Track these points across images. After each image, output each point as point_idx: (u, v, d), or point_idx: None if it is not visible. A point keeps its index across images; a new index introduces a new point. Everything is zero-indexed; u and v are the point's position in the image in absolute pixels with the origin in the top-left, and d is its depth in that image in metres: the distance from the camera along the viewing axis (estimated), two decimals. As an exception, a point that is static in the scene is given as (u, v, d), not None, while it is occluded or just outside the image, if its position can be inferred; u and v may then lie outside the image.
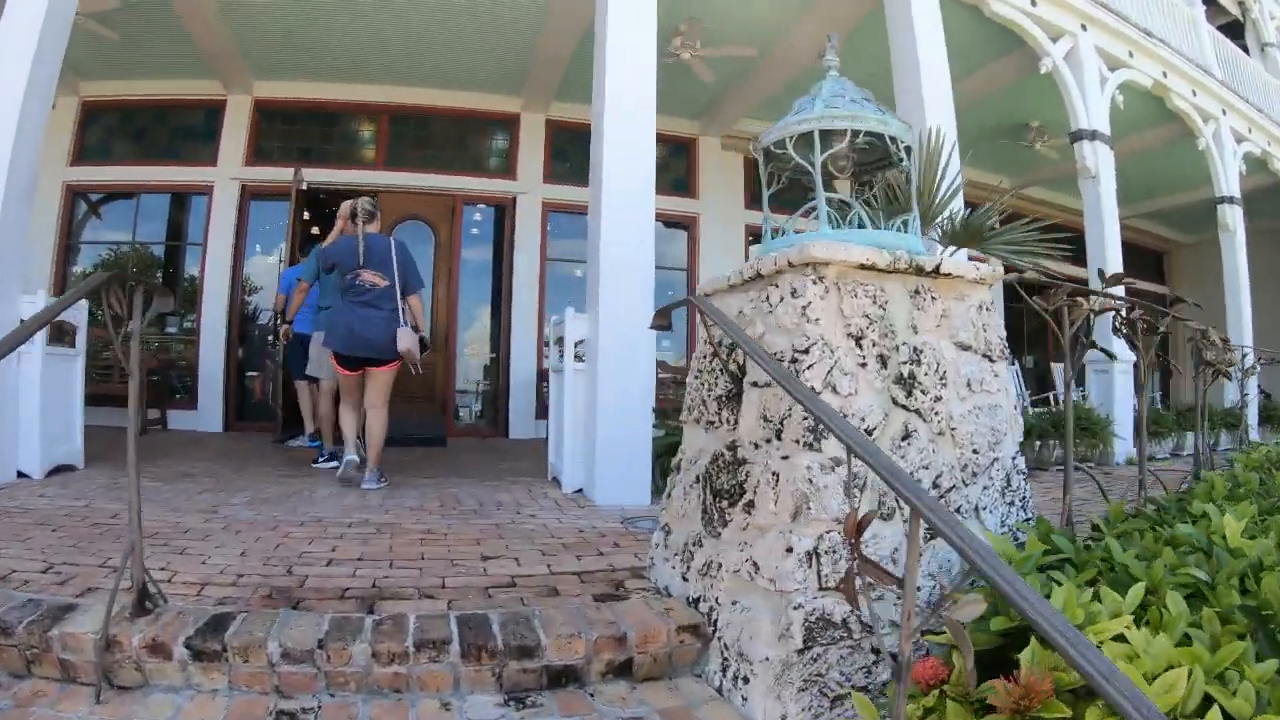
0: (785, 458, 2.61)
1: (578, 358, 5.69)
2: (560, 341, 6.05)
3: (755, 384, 2.85)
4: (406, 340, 5.58)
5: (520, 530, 4.39)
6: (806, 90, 3.24)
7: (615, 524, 4.66)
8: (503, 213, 11.13)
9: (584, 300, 5.88)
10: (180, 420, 9.99)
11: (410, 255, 5.90)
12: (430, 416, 10.49)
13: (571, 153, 11.23)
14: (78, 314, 5.93)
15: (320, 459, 6.76)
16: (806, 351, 2.61)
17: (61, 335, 5.76)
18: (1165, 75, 10.94)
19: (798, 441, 2.56)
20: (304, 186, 9.98)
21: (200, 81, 10.27)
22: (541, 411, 10.57)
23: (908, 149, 3.13)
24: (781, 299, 2.77)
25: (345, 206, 6.18)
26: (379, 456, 5.74)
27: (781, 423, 2.66)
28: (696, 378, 3.35)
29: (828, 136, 3.02)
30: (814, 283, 2.67)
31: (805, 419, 2.54)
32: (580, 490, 5.65)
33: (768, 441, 2.73)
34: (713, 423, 3.13)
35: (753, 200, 12.20)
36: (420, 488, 5.77)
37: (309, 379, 7.44)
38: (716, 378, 3.15)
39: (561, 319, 5.92)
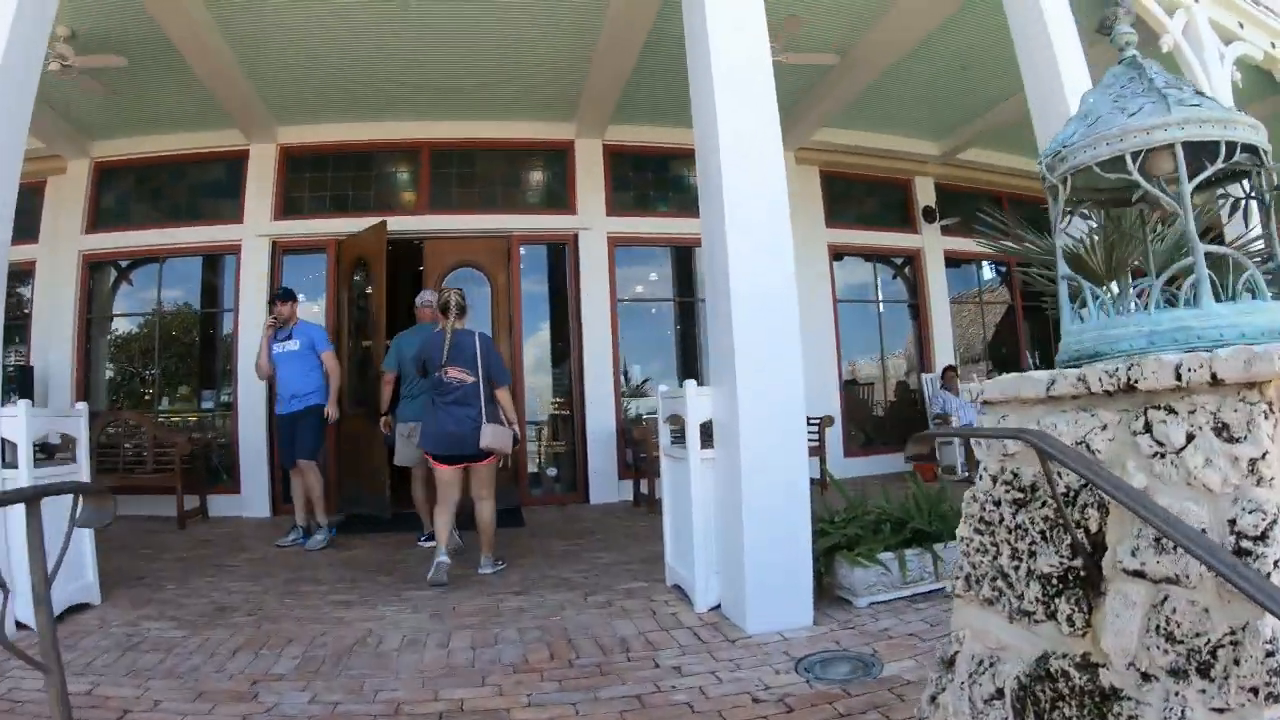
0: (1221, 710, 1.43)
1: (704, 443, 4.46)
2: (674, 420, 4.86)
3: (1139, 574, 1.64)
4: (489, 437, 5.54)
5: (672, 705, 3.17)
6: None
7: (791, 675, 3.44)
8: (564, 252, 9.97)
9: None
10: (222, 506, 8.97)
11: (495, 349, 5.93)
12: (501, 487, 9.32)
13: (634, 180, 10.20)
14: (75, 423, 4.87)
15: (420, 540, 6.88)
16: (1263, 537, 1.42)
17: (51, 451, 4.70)
18: (1274, 45, 9.82)
19: (1254, 691, 1.39)
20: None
21: (219, 132, 9.39)
22: (624, 471, 9.44)
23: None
24: (1191, 436, 1.58)
25: (427, 296, 7.05)
26: (493, 543, 5.82)
27: (1213, 653, 1.46)
28: (981, 532, 2.12)
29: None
30: (1265, 415, 1.48)
31: (1271, 655, 1.35)
32: (717, 607, 4.41)
33: (1177, 675, 1.52)
34: (1029, 614, 1.90)
35: (832, 216, 11.01)
36: (514, 616, 4.55)
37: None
38: (1034, 543, 1.92)
39: (678, 394, 4.69)
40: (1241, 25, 9.38)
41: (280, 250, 9.43)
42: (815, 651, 3.68)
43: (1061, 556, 1.84)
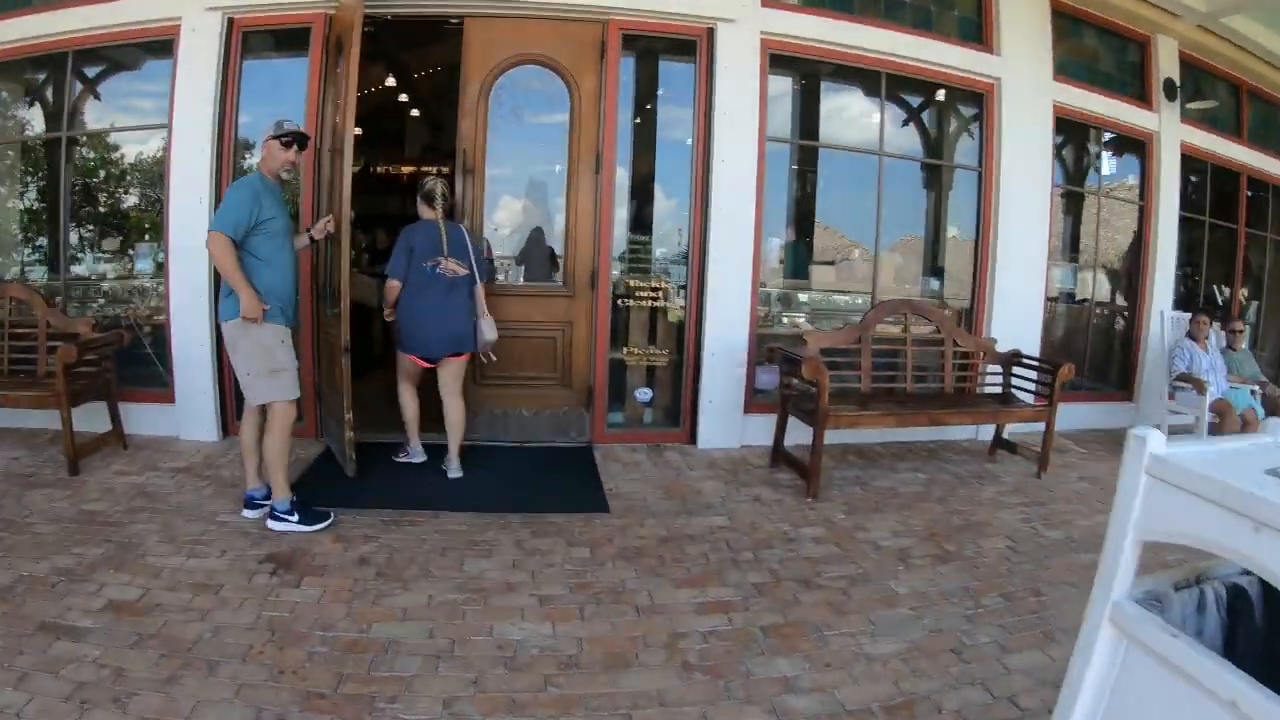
0: None
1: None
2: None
3: None
4: (490, 332, 5.28)
5: None
6: None
7: None
8: (686, 55, 6.32)
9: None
10: (151, 421, 6.04)
11: (482, 243, 5.70)
12: (564, 413, 6.11)
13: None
14: None
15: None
16: None
17: None
18: None
19: None
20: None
21: None
22: (750, 403, 6.36)
23: None
24: None
25: (287, 127, 4.64)
26: (463, 443, 5.40)
27: None
28: None
29: None
30: None
31: None
32: None
33: None
34: None
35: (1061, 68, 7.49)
36: None
37: None
38: None
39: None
40: None
41: (239, 35, 5.96)
42: None
43: None
